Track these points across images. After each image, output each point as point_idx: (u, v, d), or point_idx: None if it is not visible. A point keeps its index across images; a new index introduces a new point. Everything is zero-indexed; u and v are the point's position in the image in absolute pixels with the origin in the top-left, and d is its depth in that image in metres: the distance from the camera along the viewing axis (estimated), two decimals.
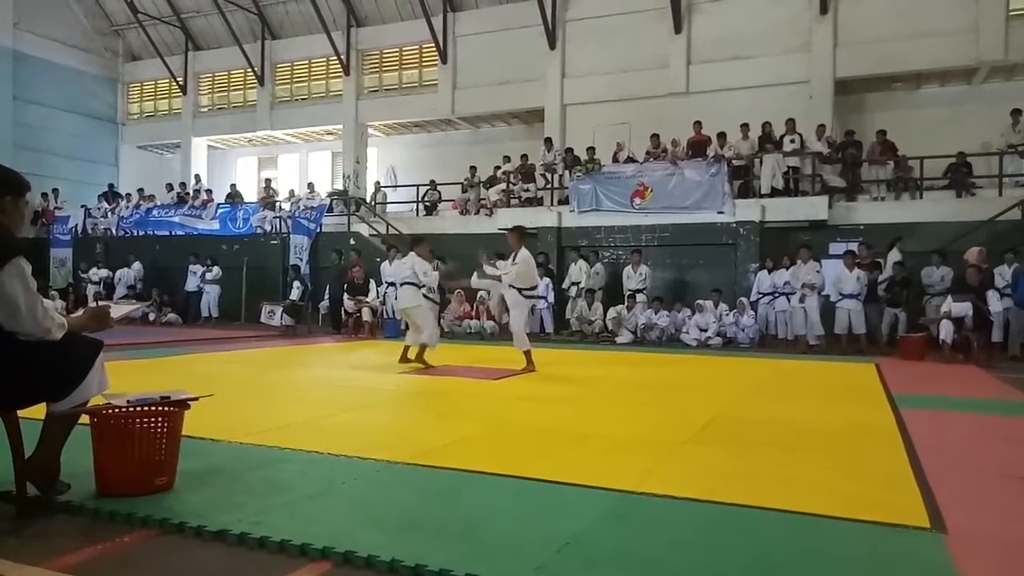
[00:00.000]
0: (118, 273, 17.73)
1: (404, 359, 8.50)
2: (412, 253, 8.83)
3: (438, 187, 18.53)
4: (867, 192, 14.38)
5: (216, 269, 16.61)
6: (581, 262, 13.99)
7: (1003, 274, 10.88)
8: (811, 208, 13.29)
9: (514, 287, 8.37)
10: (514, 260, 8.45)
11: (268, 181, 20.74)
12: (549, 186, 16.39)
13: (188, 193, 20.30)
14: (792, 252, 12.33)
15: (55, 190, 20.63)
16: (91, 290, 17.26)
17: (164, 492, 3.14)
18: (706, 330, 12.46)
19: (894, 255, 12.14)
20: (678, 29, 16.45)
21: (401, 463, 3.77)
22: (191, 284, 16.91)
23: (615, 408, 5.94)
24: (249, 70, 21.79)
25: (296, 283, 14.85)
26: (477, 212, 17.03)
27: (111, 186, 21.82)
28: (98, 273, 17.81)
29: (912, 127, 14.99)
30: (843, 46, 15.33)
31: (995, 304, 10.39)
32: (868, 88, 16.13)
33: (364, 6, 20.26)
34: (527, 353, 8.26)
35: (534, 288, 8.77)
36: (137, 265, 17.69)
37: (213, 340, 12.23)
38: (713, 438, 4.66)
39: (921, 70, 15.22)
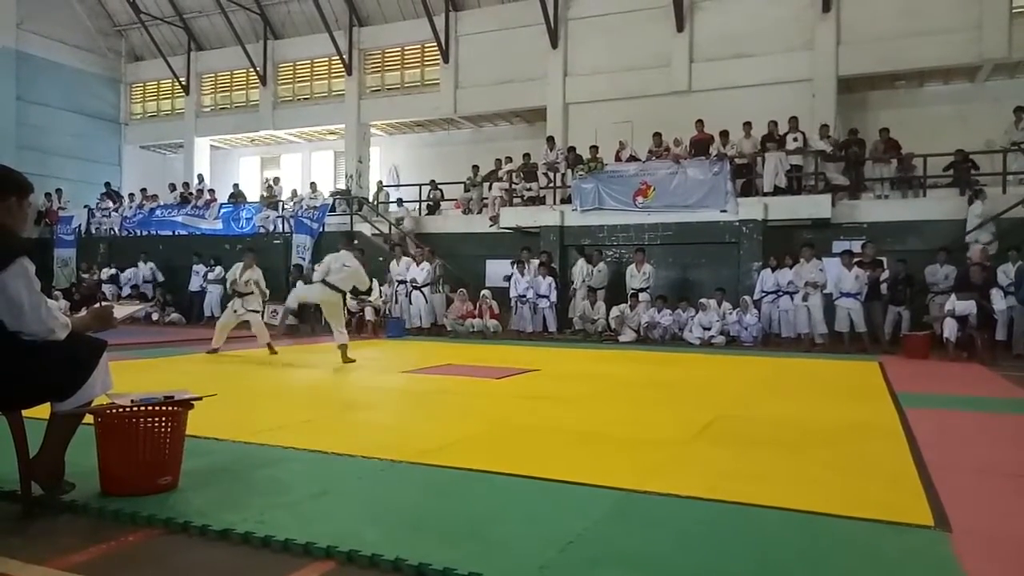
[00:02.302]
0: (126, 272, 17.77)
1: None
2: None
3: (440, 187, 18.54)
4: (870, 190, 14.35)
5: (219, 269, 16.60)
6: (580, 261, 13.99)
7: (1007, 272, 10.84)
8: (814, 206, 13.26)
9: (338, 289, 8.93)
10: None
11: (276, 180, 20.75)
12: (551, 185, 16.37)
13: (191, 193, 20.33)
14: (795, 251, 12.31)
15: (58, 190, 20.65)
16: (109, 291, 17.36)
17: (168, 491, 3.15)
18: (709, 329, 12.44)
19: (977, 209, 12.06)
20: (680, 27, 16.43)
21: (404, 462, 3.77)
22: (194, 284, 16.93)
23: (618, 407, 5.94)
24: (251, 70, 21.81)
25: (299, 283, 14.84)
26: (480, 211, 17.03)
27: (108, 184, 21.80)
28: (123, 275, 17.83)
29: (915, 125, 14.95)
30: (846, 44, 15.30)
31: (999, 302, 10.36)
32: (871, 86, 16.10)
33: (366, 5, 20.26)
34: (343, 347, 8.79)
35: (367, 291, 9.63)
36: (152, 265, 17.70)
37: None
38: (716, 437, 4.66)
39: (924, 68, 15.17)
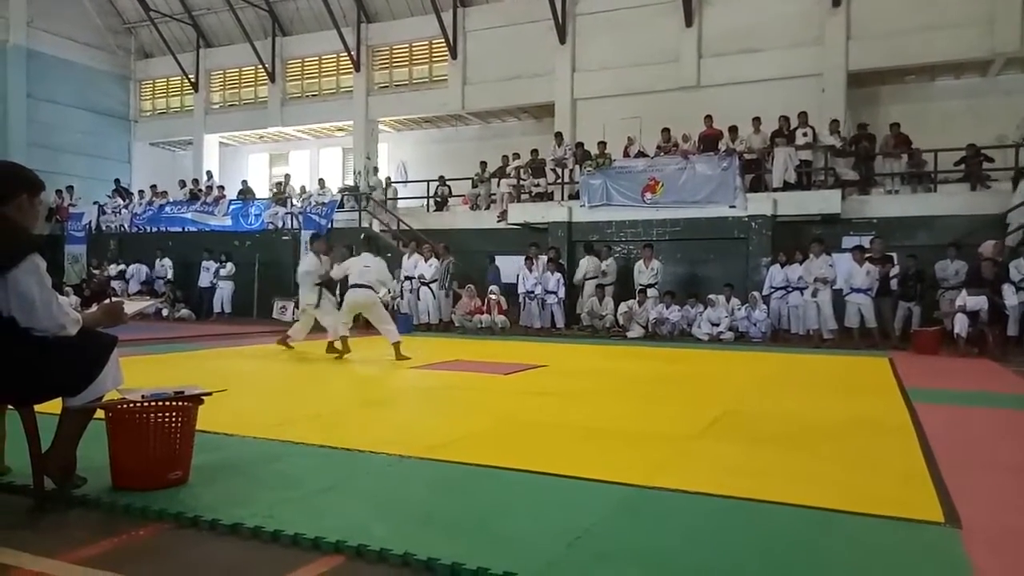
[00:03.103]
0: (131, 268, 17.86)
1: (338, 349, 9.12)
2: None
3: (448, 182, 18.56)
4: (880, 185, 14.27)
5: (230, 265, 16.68)
6: (586, 257, 13.94)
7: (1019, 267, 10.76)
8: (824, 202, 13.19)
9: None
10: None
11: (288, 177, 20.80)
12: (559, 181, 16.37)
13: (200, 189, 20.41)
14: (805, 246, 12.25)
15: (70, 187, 20.74)
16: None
17: (178, 486, 3.17)
18: (718, 324, 12.41)
19: None
20: (689, 22, 16.37)
21: (413, 457, 3.78)
22: (204, 280, 17.00)
23: (626, 402, 5.93)
24: (260, 67, 21.85)
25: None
26: (487, 207, 17.04)
27: (117, 181, 21.91)
28: (129, 269, 17.92)
29: (926, 120, 14.86)
30: (856, 39, 15.20)
31: (1010, 298, 10.29)
32: (881, 81, 15.98)
33: (374, 2, 20.26)
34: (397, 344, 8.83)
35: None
36: (168, 261, 17.78)
37: (226, 336, 12.30)
38: (725, 432, 4.65)
39: (935, 62, 15.05)
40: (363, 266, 9.12)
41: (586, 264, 13.87)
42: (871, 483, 3.45)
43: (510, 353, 9.58)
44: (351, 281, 9.10)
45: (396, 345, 8.71)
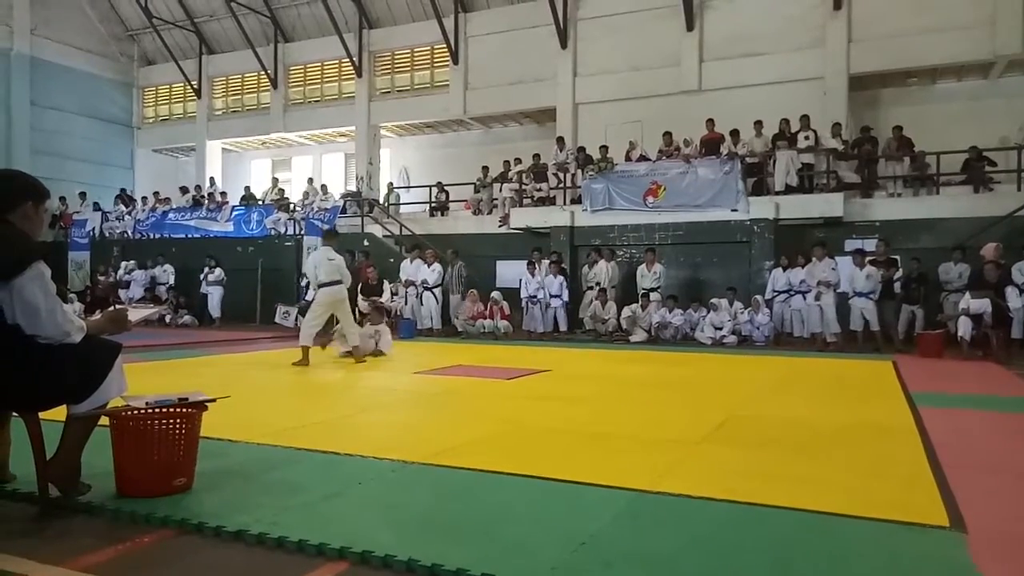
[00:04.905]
0: (134, 274, 17.87)
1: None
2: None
3: (446, 188, 18.58)
4: (883, 188, 14.26)
5: (218, 271, 16.64)
6: (601, 262, 13.90)
7: (1022, 270, 10.74)
8: (826, 205, 13.19)
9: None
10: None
11: (275, 180, 20.89)
12: (562, 185, 16.38)
13: (203, 196, 20.46)
14: (807, 250, 12.24)
15: (82, 193, 20.78)
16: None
17: (183, 493, 3.17)
18: (721, 328, 12.39)
19: None
20: (690, 26, 16.38)
21: (417, 463, 3.78)
22: (205, 286, 17.02)
23: (630, 407, 5.93)
24: (262, 73, 21.91)
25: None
26: (489, 212, 17.06)
27: (123, 190, 21.99)
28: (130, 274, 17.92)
29: (928, 122, 14.85)
30: (857, 42, 15.20)
31: (1014, 300, 10.26)
32: (883, 83, 15.99)
33: (376, 8, 20.32)
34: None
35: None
36: (167, 267, 17.78)
37: (229, 342, 12.31)
38: (729, 437, 4.64)
39: (937, 65, 15.05)
40: (326, 259, 8.91)
41: (605, 268, 13.70)
42: (875, 487, 3.44)
43: (513, 358, 9.58)
44: (321, 279, 8.89)
45: (356, 348, 8.88)
